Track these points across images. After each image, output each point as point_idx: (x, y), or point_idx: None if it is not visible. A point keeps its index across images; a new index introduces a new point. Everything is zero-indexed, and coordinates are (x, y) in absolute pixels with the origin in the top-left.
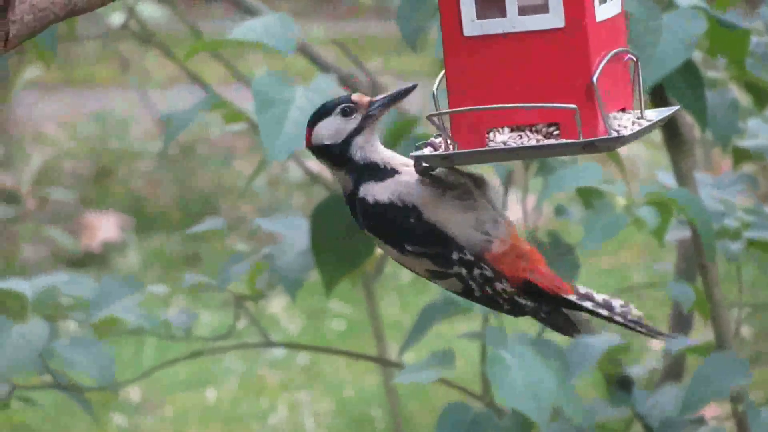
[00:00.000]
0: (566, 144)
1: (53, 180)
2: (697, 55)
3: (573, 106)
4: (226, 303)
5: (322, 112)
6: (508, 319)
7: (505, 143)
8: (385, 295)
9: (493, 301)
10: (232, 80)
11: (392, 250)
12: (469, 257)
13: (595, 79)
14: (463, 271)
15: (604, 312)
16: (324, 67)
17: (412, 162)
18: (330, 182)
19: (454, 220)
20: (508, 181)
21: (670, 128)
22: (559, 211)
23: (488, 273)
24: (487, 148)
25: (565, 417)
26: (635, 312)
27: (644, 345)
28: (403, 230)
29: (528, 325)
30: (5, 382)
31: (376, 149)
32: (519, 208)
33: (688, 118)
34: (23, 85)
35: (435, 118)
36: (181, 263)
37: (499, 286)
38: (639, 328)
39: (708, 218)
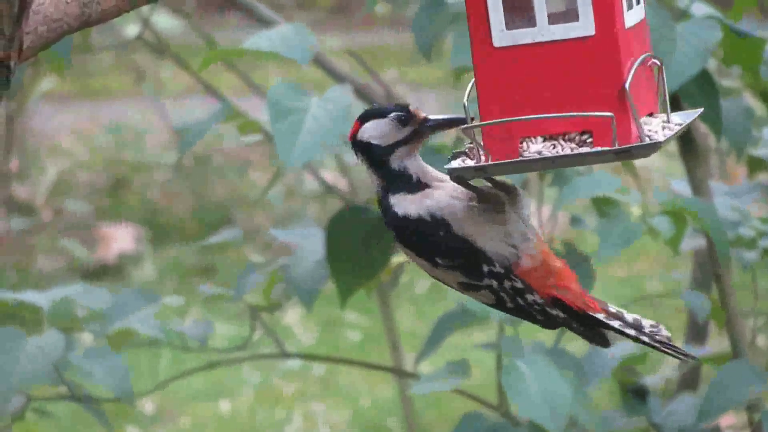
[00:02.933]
0: (601, 152)
1: (68, 191)
2: (712, 64)
3: (610, 113)
4: (242, 314)
5: (376, 112)
6: (523, 329)
7: (540, 153)
8: (401, 305)
9: (526, 313)
10: (246, 91)
11: (425, 263)
12: (499, 269)
13: (627, 85)
14: (494, 283)
15: (632, 332)
16: (339, 78)
17: (446, 177)
18: (345, 193)
19: (482, 233)
20: (523, 191)
21: (685, 137)
22: (575, 220)
23: (519, 285)
24: (521, 158)
25: (581, 426)
26: (664, 332)
27: (659, 354)
28: (433, 244)
29: (544, 334)
30: (21, 393)
31: (414, 162)
32: (534, 218)
33: (703, 127)
34: (39, 96)
35: (469, 131)
36: (197, 274)
37: (530, 297)
38: (666, 349)
39: (722, 227)
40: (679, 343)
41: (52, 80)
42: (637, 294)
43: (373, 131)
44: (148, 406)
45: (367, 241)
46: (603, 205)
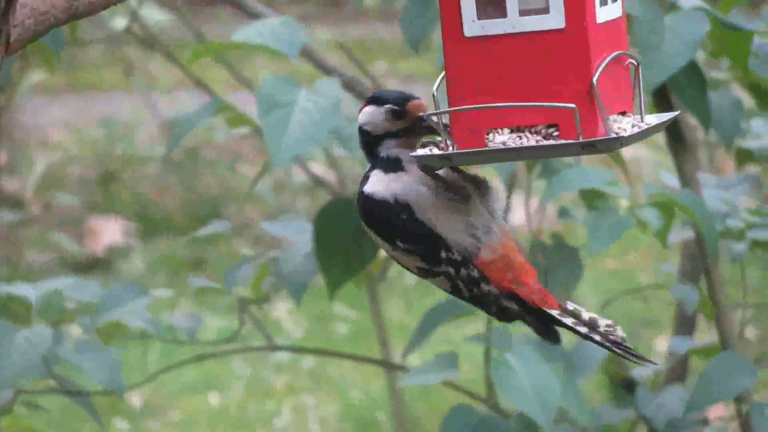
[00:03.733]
0: (565, 144)
1: (58, 185)
2: (701, 57)
3: (572, 105)
4: (232, 307)
5: (377, 98)
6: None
7: (504, 143)
8: (390, 298)
9: (481, 303)
10: (236, 84)
11: (385, 245)
12: (456, 257)
13: (595, 80)
14: (451, 270)
15: (583, 330)
16: (328, 71)
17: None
18: (334, 186)
19: (444, 221)
20: (511, 184)
21: (673, 130)
22: (563, 213)
23: (475, 274)
24: (486, 148)
25: (570, 419)
26: (619, 333)
27: (648, 347)
28: (395, 226)
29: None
30: (10, 387)
31: (403, 153)
32: (522, 211)
33: (692, 120)
34: (28, 90)
35: (434, 118)
36: (187, 267)
37: (485, 288)
38: (617, 350)
39: (711, 219)
40: (667, 337)
41: (41, 73)
42: (628, 286)
43: (368, 117)
44: (137, 399)
45: (356, 234)
46: (592, 198)
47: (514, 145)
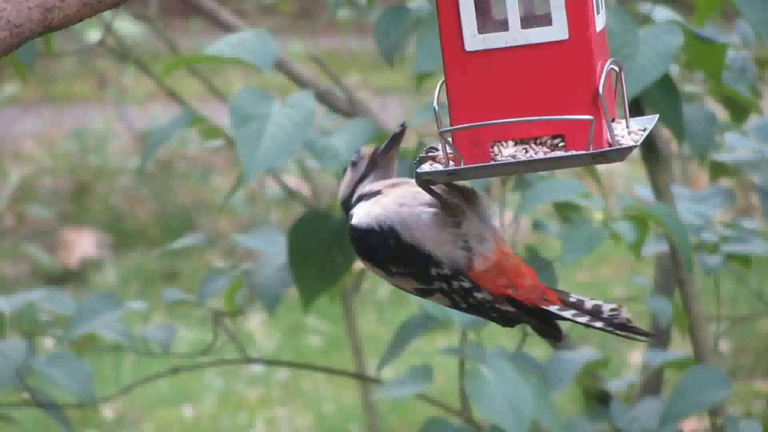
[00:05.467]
0: (576, 156)
1: (31, 197)
2: (675, 70)
3: (590, 117)
4: (205, 319)
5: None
6: (486, 334)
7: (513, 156)
8: (363, 310)
9: (480, 311)
10: (209, 96)
11: (382, 273)
12: (446, 271)
13: (600, 89)
14: (443, 285)
15: (584, 320)
16: (302, 83)
17: (402, 179)
18: (308, 199)
19: (431, 238)
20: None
21: (647, 142)
22: (537, 225)
23: (466, 284)
24: (495, 162)
25: (544, 431)
26: (624, 315)
27: (623, 359)
28: (385, 252)
29: (507, 339)
30: None
31: (369, 187)
32: (497, 223)
33: (665, 132)
34: (1, 102)
35: (442, 134)
36: (160, 279)
37: (479, 295)
38: (620, 333)
39: (685, 232)
40: (642, 350)
41: (14, 85)
42: (601, 299)
43: (342, 187)
44: (110, 411)
45: (329, 246)
46: (565, 211)
47: (523, 158)
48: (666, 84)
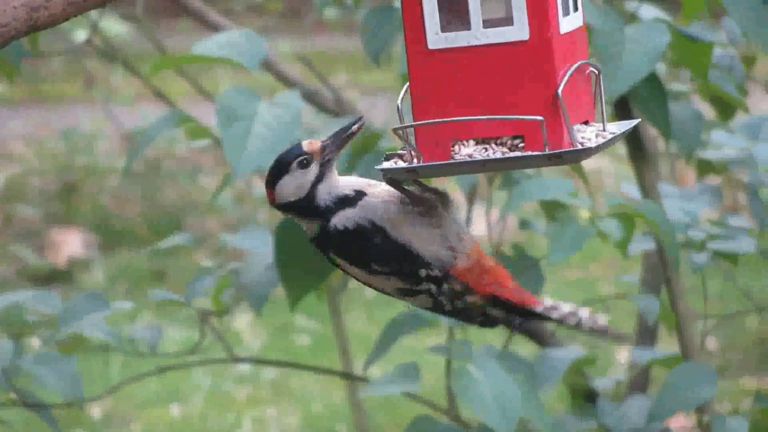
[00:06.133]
0: (532, 156)
1: (19, 197)
2: (661, 68)
3: (539, 117)
4: (192, 319)
5: (279, 171)
6: (473, 333)
7: (470, 156)
8: (351, 309)
9: (465, 315)
10: (197, 96)
11: (359, 272)
12: (436, 273)
13: (560, 91)
14: (432, 287)
15: (571, 321)
16: (289, 83)
17: (374, 181)
18: None
19: (419, 237)
20: (472, 195)
21: (634, 141)
22: (524, 224)
23: (457, 287)
24: (453, 161)
25: (532, 430)
26: (602, 320)
27: (610, 358)
28: (370, 250)
29: (494, 337)
30: None
31: (338, 185)
32: (484, 222)
33: (652, 131)
34: None
35: (400, 131)
36: (148, 279)
37: (469, 299)
38: (604, 335)
39: (672, 230)
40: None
41: (1, 86)
42: (589, 297)
43: (288, 189)
44: (98, 411)
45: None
46: (553, 209)
47: (480, 158)
48: (653, 82)
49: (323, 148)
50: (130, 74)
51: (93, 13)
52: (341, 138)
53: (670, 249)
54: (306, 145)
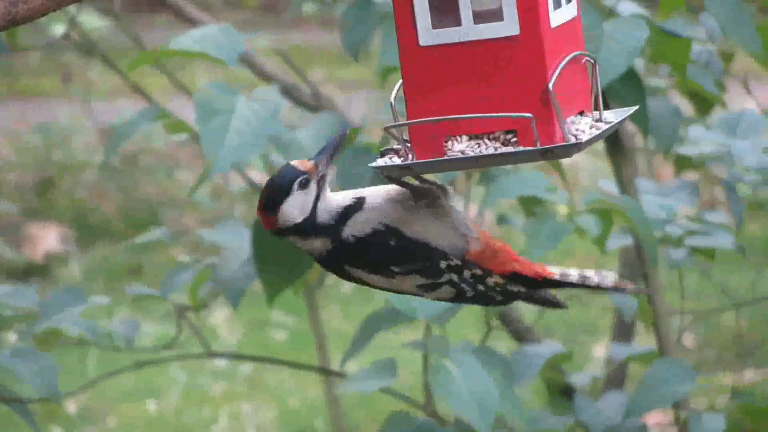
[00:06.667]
0: (524, 152)
1: None
2: (639, 64)
3: (528, 114)
4: (169, 314)
5: (278, 194)
6: (451, 328)
7: (463, 152)
8: (328, 304)
9: (486, 297)
10: (174, 90)
11: (380, 279)
12: (456, 262)
13: (551, 85)
14: (454, 277)
15: (594, 281)
16: (268, 78)
17: (364, 189)
18: None
19: (433, 229)
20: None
21: (612, 136)
22: (501, 219)
23: (478, 272)
24: (446, 157)
25: (509, 425)
26: (611, 277)
27: (587, 353)
28: (387, 253)
29: (471, 334)
30: None
31: (336, 199)
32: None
33: (630, 126)
34: None
35: (394, 129)
36: (125, 274)
37: (491, 281)
38: (614, 289)
39: (649, 226)
40: (606, 342)
41: None
42: (566, 292)
43: (293, 211)
44: (74, 406)
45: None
46: (530, 205)
47: (472, 154)
48: (631, 78)
49: (316, 166)
50: (108, 69)
51: (71, 8)
52: (329, 153)
53: (648, 245)
54: (299, 164)
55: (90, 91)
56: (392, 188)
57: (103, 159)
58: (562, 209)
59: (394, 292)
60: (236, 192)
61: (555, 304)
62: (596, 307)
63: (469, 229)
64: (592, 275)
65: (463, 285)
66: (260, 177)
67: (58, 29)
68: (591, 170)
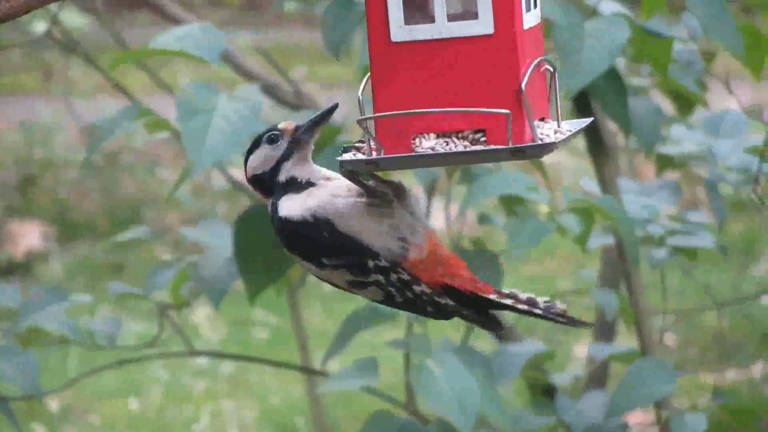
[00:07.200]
0: (494, 150)
1: None
2: (621, 63)
3: (506, 111)
4: (151, 312)
5: (252, 145)
6: (432, 328)
7: (432, 149)
8: (310, 303)
9: (415, 305)
10: (155, 88)
11: (310, 266)
12: (384, 264)
13: (523, 85)
14: (381, 278)
15: (524, 307)
16: (249, 76)
17: (335, 174)
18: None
19: (367, 228)
20: (432, 189)
21: (593, 135)
22: (483, 218)
23: (405, 277)
24: (414, 153)
25: (491, 425)
26: (559, 307)
27: (568, 353)
28: (318, 244)
29: (453, 332)
30: None
31: (303, 168)
32: (443, 216)
33: (611, 126)
34: None
35: (364, 123)
36: (106, 272)
37: (417, 288)
38: (561, 320)
39: (631, 225)
40: (588, 342)
41: None
42: (548, 292)
43: (256, 163)
44: (56, 404)
45: (276, 239)
46: (512, 204)
47: (442, 151)
48: (612, 77)
49: (296, 129)
50: (90, 67)
51: (53, 5)
52: (314, 121)
53: (629, 244)
54: (281, 124)
55: (71, 89)
56: (343, 184)
57: (85, 157)
58: (544, 208)
59: (328, 282)
60: (218, 190)
61: (488, 325)
62: (578, 306)
63: (415, 236)
64: (540, 304)
65: (390, 288)
66: (242, 175)
67: (40, 27)
68: (573, 169)
